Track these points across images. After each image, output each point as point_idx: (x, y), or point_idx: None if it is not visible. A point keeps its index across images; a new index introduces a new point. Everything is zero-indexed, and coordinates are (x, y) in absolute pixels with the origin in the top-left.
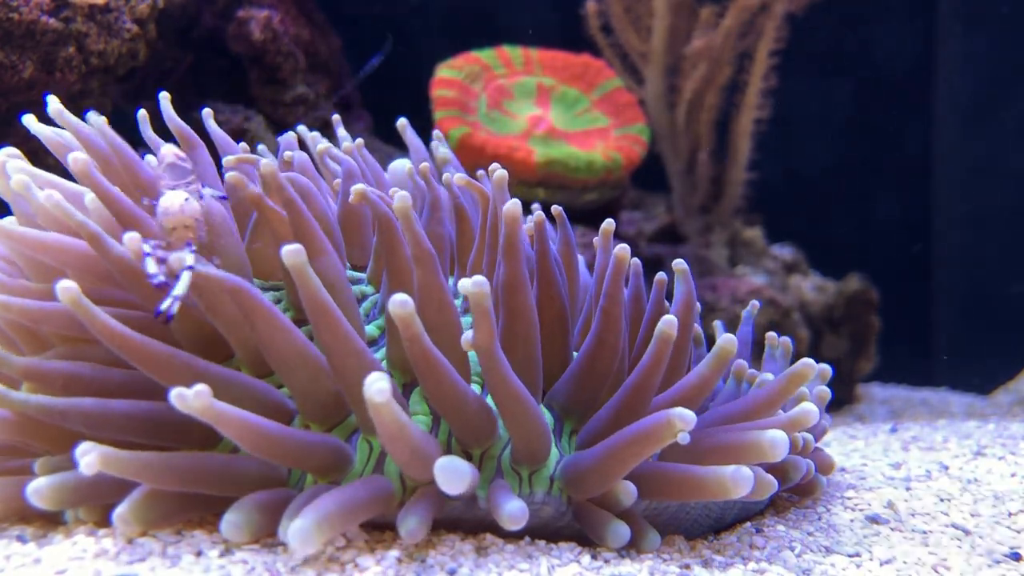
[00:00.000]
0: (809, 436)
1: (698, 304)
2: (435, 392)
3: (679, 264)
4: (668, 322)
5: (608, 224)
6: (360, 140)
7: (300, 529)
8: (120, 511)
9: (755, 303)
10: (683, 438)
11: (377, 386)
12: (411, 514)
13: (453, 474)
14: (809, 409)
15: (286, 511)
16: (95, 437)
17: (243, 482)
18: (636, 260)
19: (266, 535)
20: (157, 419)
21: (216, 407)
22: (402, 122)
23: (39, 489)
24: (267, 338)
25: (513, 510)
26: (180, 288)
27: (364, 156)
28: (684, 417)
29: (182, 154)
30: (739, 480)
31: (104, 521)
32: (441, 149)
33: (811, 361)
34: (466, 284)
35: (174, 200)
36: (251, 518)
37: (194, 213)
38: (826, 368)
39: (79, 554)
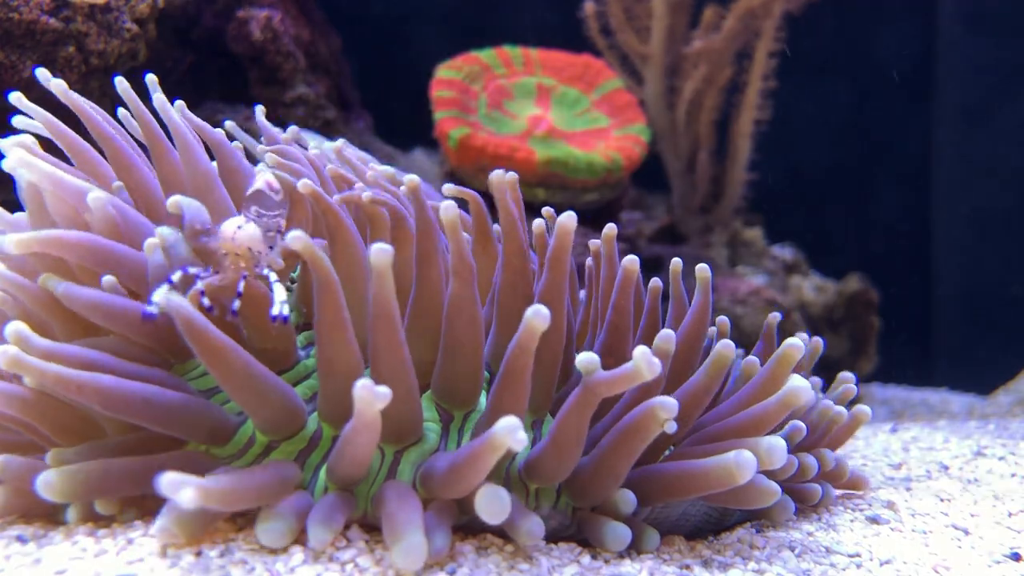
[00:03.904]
0: (828, 453)
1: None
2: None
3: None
4: (726, 344)
5: (610, 229)
6: (341, 141)
7: (414, 547)
8: (163, 524)
9: (776, 315)
10: (670, 427)
11: (517, 436)
12: (437, 531)
13: (497, 504)
14: (799, 386)
15: (311, 516)
16: (107, 416)
17: (265, 489)
18: (656, 282)
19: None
20: (172, 410)
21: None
22: (292, 129)
23: (48, 480)
24: (330, 334)
25: (532, 527)
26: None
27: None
28: (666, 405)
29: (276, 185)
30: (743, 464)
31: (108, 519)
32: (379, 168)
33: (797, 341)
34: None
35: (228, 226)
36: (291, 525)
37: (247, 241)
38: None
39: (79, 554)
